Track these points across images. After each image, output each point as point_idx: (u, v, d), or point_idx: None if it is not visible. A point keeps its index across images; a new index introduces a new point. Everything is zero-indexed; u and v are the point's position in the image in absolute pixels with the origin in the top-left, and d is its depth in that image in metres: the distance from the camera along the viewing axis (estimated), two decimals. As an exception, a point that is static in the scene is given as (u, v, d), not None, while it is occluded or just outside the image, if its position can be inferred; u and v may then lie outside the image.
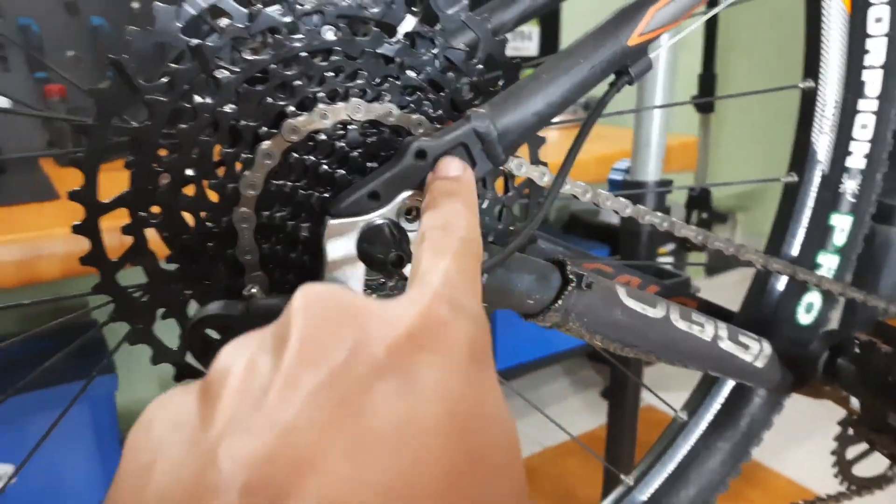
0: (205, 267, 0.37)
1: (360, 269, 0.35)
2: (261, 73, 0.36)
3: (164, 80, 0.34)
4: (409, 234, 0.36)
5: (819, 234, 0.61)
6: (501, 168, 0.41)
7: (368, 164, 0.38)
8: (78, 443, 1.18)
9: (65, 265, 0.92)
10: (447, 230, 0.27)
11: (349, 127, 0.37)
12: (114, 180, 0.36)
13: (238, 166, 0.36)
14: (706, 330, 0.49)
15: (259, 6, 0.35)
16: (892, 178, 0.61)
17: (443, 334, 0.20)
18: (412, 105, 0.39)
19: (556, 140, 1.49)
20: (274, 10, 0.36)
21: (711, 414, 0.64)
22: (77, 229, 0.35)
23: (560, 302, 0.42)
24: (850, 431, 0.59)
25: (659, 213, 0.47)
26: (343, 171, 0.37)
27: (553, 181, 0.40)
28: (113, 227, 0.36)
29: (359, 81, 0.37)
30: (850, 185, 0.60)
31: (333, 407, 0.17)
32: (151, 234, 0.36)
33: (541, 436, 1.67)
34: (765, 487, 1.48)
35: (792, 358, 0.55)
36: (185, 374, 0.39)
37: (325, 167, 0.37)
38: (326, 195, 0.37)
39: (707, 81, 1.72)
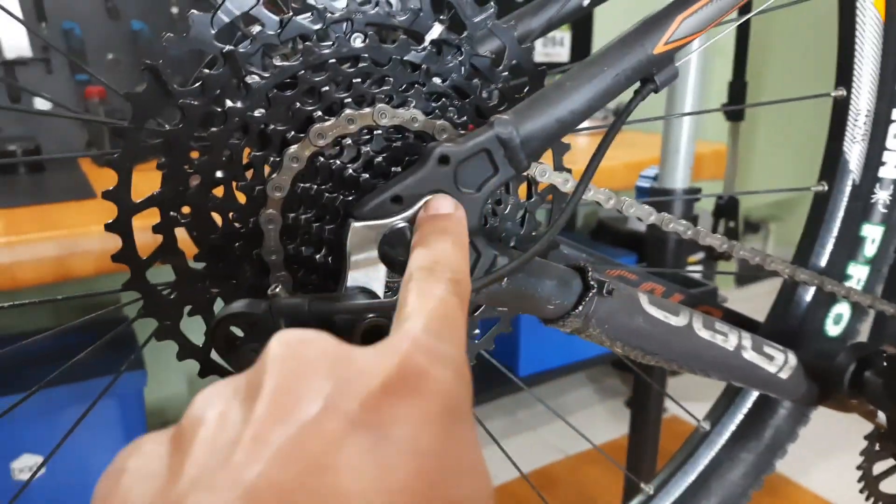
0: (231, 266, 0.38)
1: (381, 271, 0.35)
2: (290, 78, 0.36)
3: (197, 84, 0.35)
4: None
5: (849, 245, 0.60)
6: (525, 174, 0.41)
7: (392, 169, 0.39)
8: (107, 438, 1.21)
9: (99, 262, 0.94)
10: (434, 271, 0.27)
11: (375, 132, 0.38)
12: (147, 180, 0.38)
13: (266, 169, 0.37)
14: (729, 339, 0.49)
15: (290, 14, 0.36)
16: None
17: (419, 386, 0.19)
18: (437, 111, 0.39)
19: (584, 146, 1.48)
20: (304, 18, 0.36)
21: (735, 424, 0.63)
22: (110, 227, 0.36)
23: (580, 308, 0.42)
24: (877, 446, 0.57)
25: (683, 221, 0.46)
26: (367, 175, 0.38)
27: (575, 187, 0.40)
28: (144, 227, 0.37)
29: (385, 87, 0.38)
30: (882, 196, 0.59)
31: (302, 465, 0.16)
32: (180, 234, 0.37)
33: (563, 443, 1.67)
34: (790, 502, 1.46)
35: (818, 370, 0.54)
36: (209, 370, 0.40)
37: (351, 171, 0.38)
38: (351, 198, 0.38)
39: (737, 89, 1.70)
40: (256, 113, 0.36)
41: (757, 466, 0.63)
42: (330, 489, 0.16)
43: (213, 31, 0.35)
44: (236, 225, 0.38)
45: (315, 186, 0.38)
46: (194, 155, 0.36)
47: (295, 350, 0.20)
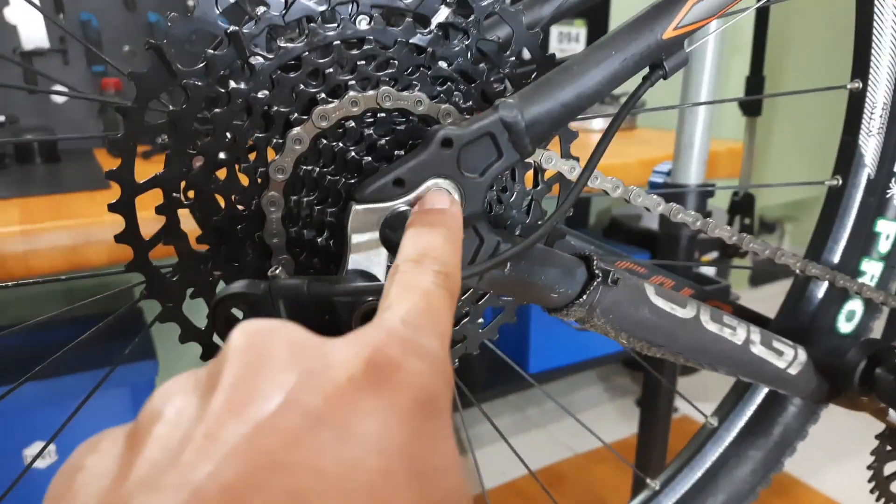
0: (233, 249, 0.38)
1: (382, 254, 0.35)
2: (294, 60, 0.36)
3: (202, 65, 0.35)
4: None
5: (863, 240, 0.59)
6: (531, 161, 0.41)
7: (395, 153, 0.38)
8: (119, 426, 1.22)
9: (112, 251, 0.95)
10: (421, 263, 0.26)
11: (378, 115, 0.38)
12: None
13: (269, 151, 0.37)
14: (738, 333, 0.48)
15: (295, -6, 0.36)
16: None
17: (390, 378, 0.18)
18: (442, 95, 0.39)
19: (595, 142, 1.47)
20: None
21: (743, 421, 0.63)
22: (113, 207, 0.36)
23: (585, 297, 0.42)
24: (888, 447, 0.56)
25: (692, 212, 0.46)
26: (370, 159, 0.38)
27: (581, 172, 0.39)
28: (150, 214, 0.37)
29: (390, 70, 0.38)
30: (898, 191, 0.58)
31: (255, 464, 0.15)
32: (182, 216, 0.37)
33: (571, 441, 1.66)
34: (799, 502, 1.44)
35: (828, 366, 0.53)
36: (212, 353, 0.40)
37: (353, 154, 0.38)
38: (353, 181, 0.38)
39: (754, 84, 1.68)
40: (260, 94, 0.36)
41: (765, 464, 0.62)
42: (285, 491, 0.15)
43: (217, 12, 0.35)
44: (239, 207, 0.38)
45: (317, 169, 0.37)
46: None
47: (257, 340, 0.19)
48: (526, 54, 0.41)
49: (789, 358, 0.51)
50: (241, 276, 0.38)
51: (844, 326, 0.60)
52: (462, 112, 0.39)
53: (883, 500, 0.59)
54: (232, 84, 0.36)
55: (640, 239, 1.76)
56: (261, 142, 0.37)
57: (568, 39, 1.90)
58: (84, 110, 1.47)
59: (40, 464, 1.15)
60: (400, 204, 0.35)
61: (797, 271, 0.52)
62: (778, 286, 2.60)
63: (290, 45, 0.36)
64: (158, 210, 0.37)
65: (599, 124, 1.59)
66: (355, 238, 0.35)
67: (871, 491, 0.59)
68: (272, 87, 0.36)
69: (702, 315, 0.47)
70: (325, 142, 0.37)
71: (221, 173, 0.37)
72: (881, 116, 0.57)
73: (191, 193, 0.37)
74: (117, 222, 0.36)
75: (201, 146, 0.36)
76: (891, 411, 0.53)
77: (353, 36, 0.37)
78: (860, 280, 0.59)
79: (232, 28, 0.35)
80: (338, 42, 0.37)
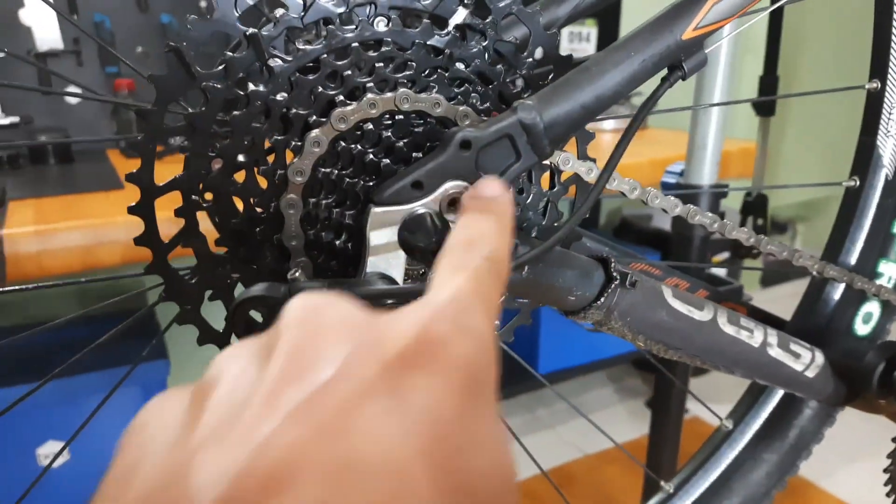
0: (252, 251, 0.38)
1: (401, 257, 0.35)
2: (313, 62, 0.36)
3: (221, 67, 0.35)
4: (452, 225, 0.36)
5: (881, 242, 0.58)
6: (548, 163, 0.41)
7: (414, 155, 0.38)
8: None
9: (126, 252, 0.95)
10: (471, 248, 0.26)
11: (396, 117, 0.38)
12: (174, 172, 0.38)
13: (288, 154, 0.37)
14: (755, 336, 0.48)
15: (313, -3, 0.36)
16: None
17: (440, 355, 0.19)
18: (460, 97, 0.39)
19: (611, 142, 1.47)
20: (327, 2, 0.36)
21: (758, 423, 0.62)
22: (132, 210, 0.36)
23: (602, 299, 0.41)
24: (907, 449, 0.56)
25: (709, 214, 0.45)
26: (388, 161, 0.38)
27: (599, 175, 0.39)
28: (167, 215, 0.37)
29: (408, 72, 0.38)
30: (916, 193, 0.58)
31: (313, 426, 0.16)
32: (201, 218, 0.37)
33: (581, 442, 1.65)
34: (815, 507, 1.43)
35: (846, 369, 0.53)
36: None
37: (372, 156, 0.38)
38: (371, 183, 0.38)
39: (768, 84, 1.66)
40: (279, 97, 0.36)
41: (780, 467, 0.62)
42: (341, 452, 0.16)
43: (237, 14, 0.35)
44: (257, 209, 0.38)
45: (336, 171, 0.38)
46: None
47: (314, 313, 0.20)
48: (536, 54, 0.41)
49: (807, 361, 0.51)
50: (260, 279, 0.39)
51: (861, 329, 0.60)
52: (479, 114, 0.39)
53: (901, 503, 0.59)
54: (251, 86, 0.36)
55: (651, 239, 1.75)
56: (279, 144, 0.37)
57: (579, 39, 1.89)
58: (97, 111, 1.48)
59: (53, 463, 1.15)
60: (418, 206, 0.35)
61: (815, 273, 0.51)
62: (789, 287, 2.59)
63: (308, 47, 0.36)
64: (178, 213, 0.37)
65: (611, 125, 1.58)
66: (374, 240, 0.35)
67: (888, 494, 0.59)
68: (291, 90, 0.36)
69: (719, 317, 0.46)
70: (343, 144, 0.37)
71: (240, 176, 0.37)
72: (900, 117, 0.56)
73: (208, 195, 0.37)
74: (130, 223, 0.36)
75: (220, 149, 0.36)
76: (909, 415, 0.52)
77: (371, 38, 0.37)
78: (878, 282, 0.58)
79: (251, 30, 0.35)
80: (356, 44, 0.37)
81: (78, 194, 1.08)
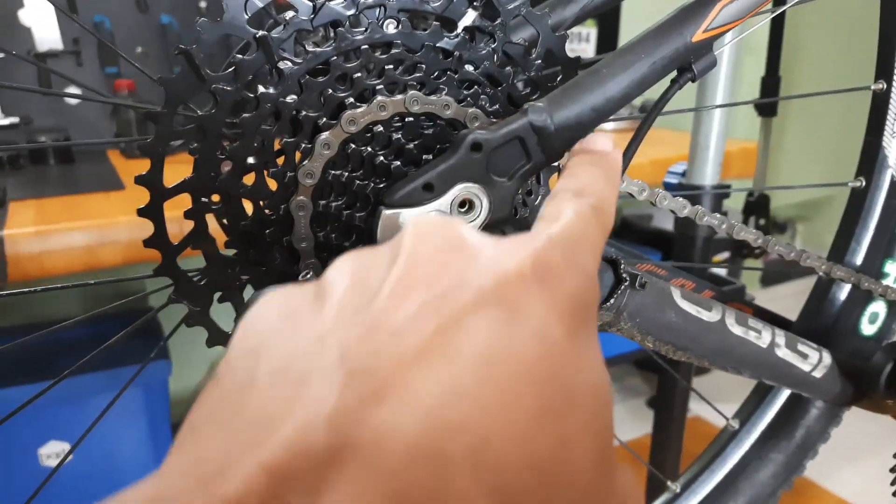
0: (261, 253, 0.38)
1: (412, 259, 0.35)
2: (322, 64, 0.36)
3: (230, 70, 0.35)
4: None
5: (886, 242, 0.58)
6: (557, 164, 0.41)
7: (424, 157, 0.38)
8: (132, 425, 1.22)
9: (127, 252, 0.95)
10: (579, 195, 0.26)
11: (406, 119, 0.38)
12: (175, 172, 0.38)
13: (297, 156, 0.37)
14: (763, 336, 0.48)
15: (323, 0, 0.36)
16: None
17: (552, 280, 0.19)
18: (469, 99, 0.39)
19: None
20: (337, 4, 0.36)
21: (765, 423, 0.62)
22: (142, 212, 0.36)
23: (612, 301, 0.41)
24: (914, 450, 0.56)
25: (718, 215, 0.45)
26: (399, 163, 0.38)
27: (609, 178, 0.39)
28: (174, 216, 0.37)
29: (417, 74, 0.38)
30: (922, 193, 0.58)
31: (437, 322, 0.17)
32: (210, 220, 0.37)
33: (584, 441, 1.65)
34: (817, 506, 1.43)
35: (853, 369, 0.53)
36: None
37: (382, 158, 0.38)
38: (382, 186, 0.38)
39: (770, 85, 1.67)
40: (289, 99, 0.36)
41: (787, 467, 0.62)
42: (463, 348, 0.17)
43: (246, 16, 0.35)
44: (267, 212, 0.38)
45: (346, 173, 0.37)
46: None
47: (433, 230, 0.21)
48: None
49: (814, 361, 0.51)
50: (269, 281, 0.38)
51: (867, 329, 0.60)
52: (489, 116, 0.39)
53: (907, 503, 0.59)
54: (260, 88, 0.36)
55: (652, 239, 1.76)
56: (289, 146, 0.37)
57: (578, 40, 1.89)
58: (97, 111, 1.47)
59: (54, 463, 1.15)
60: (429, 208, 0.35)
61: (821, 274, 0.51)
62: (789, 287, 2.59)
63: (318, 49, 0.36)
64: (187, 215, 0.37)
65: (611, 125, 1.58)
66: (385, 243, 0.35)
67: (894, 494, 0.59)
68: (301, 92, 0.36)
69: (727, 318, 0.46)
70: (353, 146, 0.37)
71: (249, 178, 0.37)
72: (906, 118, 0.57)
73: (215, 197, 0.37)
74: (132, 223, 0.36)
75: (229, 151, 0.36)
76: (916, 415, 0.52)
77: (381, 40, 0.37)
78: (884, 282, 0.58)
79: (261, 33, 0.35)
80: (365, 46, 0.36)
81: (79, 195, 1.07)
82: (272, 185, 0.37)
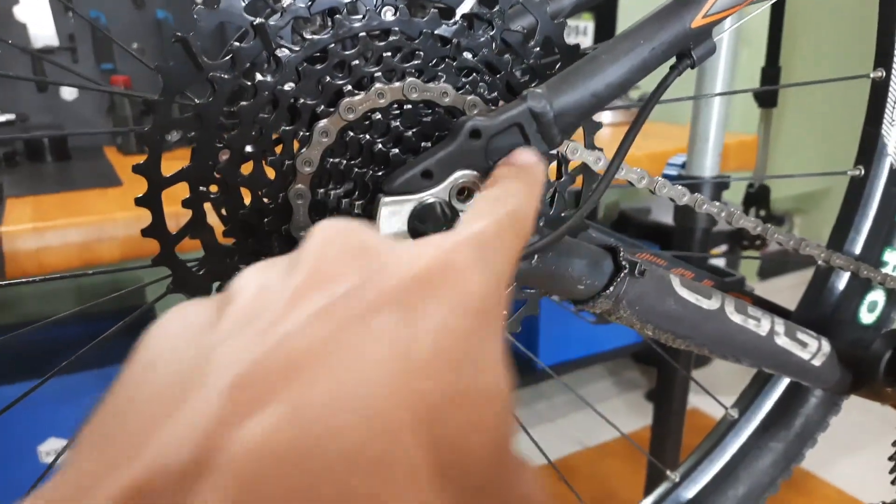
0: (260, 242, 0.38)
1: (412, 246, 0.35)
2: (320, 52, 0.36)
3: (228, 58, 0.35)
4: (462, 215, 0.36)
5: (886, 231, 0.58)
6: (556, 152, 0.41)
7: (422, 144, 0.38)
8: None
9: (124, 248, 0.95)
10: (497, 202, 0.27)
11: (405, 107, 0.38)
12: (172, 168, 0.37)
13: (296, 144, 0.37)
14: (762, 324, 0.48)
15: (320, -14, 0.36)
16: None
17: (455, 281, 0.20)
18: (467, 86, 0.39)
19: (607, 132, 1.47)
20: (334, -9, 0.36)
21: (764, 412, 0.62)
22: (140, 202, 0.36)
23: (612, 288, 0.41)
24: (913, 437, 0.56)
25: (717, 203, 0.45)
26: (397, 150, 0.38)
27: (608, 164, 0.39)
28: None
29: (415, 62, 0.37)
30: (920, 181, 0.58)
31: (333, 326, 0.17)
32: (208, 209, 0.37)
33: (582, 435, 1.66)
34: (814, 497, 1.44)
35: (852, 358, 0.53)
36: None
37: (380, 146, 0.37)
38: (380, 173, 0.38)
39: (770, 75, 1.66)
40: (286, 87, 0.36)
41: (786, 455, 0.62)
42: (358, 350, 0.17)
43: (243, 4, 0.35)
44: (265, 200, 0.37)
45: (344, 161, 0.37)
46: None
47: (338, 234, 0.21)
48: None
49: (813, 349, 0.51)
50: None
51: (866, 317, 0.60)
52: (487, 103, 0.39)
53: (906, 491, 0.59)
54: (258, 76, 0.35)
55: (650, 233, 1.76)
56: (287, 134, 0.36)
57: (576, 33, 1.89)
58: (93, 108, 1.47)
59: (50, 461, 1.15)
60: (428, 196, 0.35)
61: (821, 262, 0.51)
62: (788, 278, 2.60)
63: (315, 37, 0.36)
64: (185, 204, 0.36)
65: (607, 114, 1.58)
66: (384, 230, 0.35)
67: (893, 482, 0.59)
68: (298, 80, 0.36)
69: (726, 306, 0.46)
70: (351, 134, 0.37)
71: (247, 167, 0.37)
72: (904, 105, 0.56)
73: (213, 188, 0.37)
74: (129, 219, 0.36)
75: (227, 139, 0.36)
76: (915, 402, 0.53)
77: (379, 27, 0.37)
78: (883, 270, 0.58)
79: (258, 20, 0.35)
80: (363, 34, 0.36)
81: (76, 191, 1.07)
82: (270, 173, 0.37)
